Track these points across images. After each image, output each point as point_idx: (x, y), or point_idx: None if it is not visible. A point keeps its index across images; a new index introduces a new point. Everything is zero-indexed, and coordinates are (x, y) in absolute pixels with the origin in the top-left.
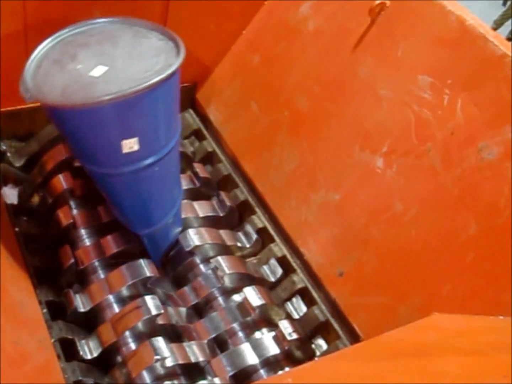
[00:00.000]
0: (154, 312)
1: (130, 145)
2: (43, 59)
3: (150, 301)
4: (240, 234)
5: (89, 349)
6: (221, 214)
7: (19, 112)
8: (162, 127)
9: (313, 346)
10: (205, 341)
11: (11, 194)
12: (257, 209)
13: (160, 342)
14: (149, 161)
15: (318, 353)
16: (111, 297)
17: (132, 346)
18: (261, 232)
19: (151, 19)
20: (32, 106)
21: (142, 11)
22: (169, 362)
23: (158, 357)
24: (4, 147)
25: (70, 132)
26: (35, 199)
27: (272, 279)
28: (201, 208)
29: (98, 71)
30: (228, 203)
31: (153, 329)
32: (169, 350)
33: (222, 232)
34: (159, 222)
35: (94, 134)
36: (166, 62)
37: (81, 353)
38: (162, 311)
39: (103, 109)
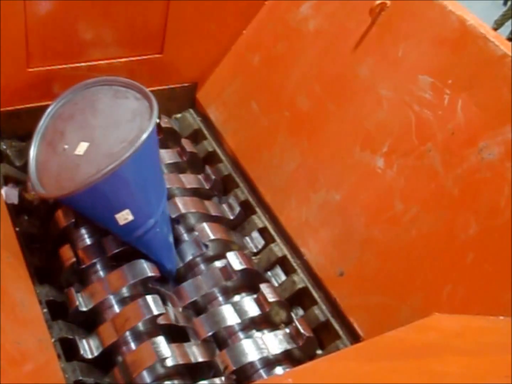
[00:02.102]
0: (155, 312)
1: (124, 217)
2: (41, 142)
3: (151, 300)
4: (224, 206)
5: (90, 349)
6: (207, 187)
7: (19, 112)
8: (149, 190)
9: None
10: (207, 335)
11: (11, 194)
12: (257, 209)
13: (161, 342)
14: (149, 224)
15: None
16: (111, 297)
17: (133, 346)
18: (262, 232)
19: (151, 19)
20: (32, 106)
21: (142, 11)
22: (169, 362)
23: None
24: (4, 147)
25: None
26: (31, 196)
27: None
28: (187, 181)
29: (81, 148)
30: (213, 176)
31: (154, 329)
32: (170, 350)
33: (207, 203)
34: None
35: (90, 212)
36: (140, 128)
37: (81, 352)
38: (164, 311)
39: (88, 192)
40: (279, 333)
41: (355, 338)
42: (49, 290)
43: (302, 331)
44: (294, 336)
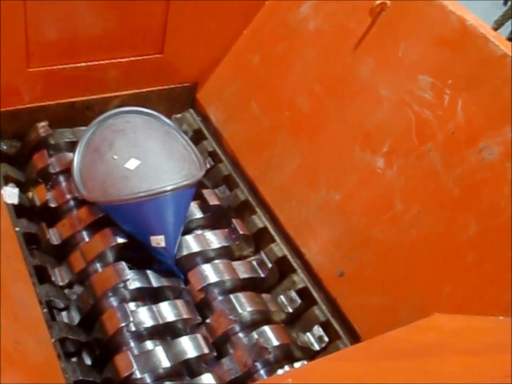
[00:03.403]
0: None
1: (157, 241)
2: (87, 146)
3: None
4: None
5: (61, 277)
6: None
7: (19, 112)
8: (180, 226)
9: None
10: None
11: (11, 194)
12: (257, 209)
13: (124, 266)
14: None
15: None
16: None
17: (100, 270)
18: (262, 232)
19: (152, 19)
20: (32, 106)
21: (142, 11)
22: (131, 285)
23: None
24: (4, 147)
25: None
26: (30, 194)
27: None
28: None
29: (132, 164)
30: (269, 264)
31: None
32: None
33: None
34: None
35: (127, 223)
36: (190, 171)
37: (53, 279)
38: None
39: (136, 206)
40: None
41: (355, 338)
42: (49, 290)
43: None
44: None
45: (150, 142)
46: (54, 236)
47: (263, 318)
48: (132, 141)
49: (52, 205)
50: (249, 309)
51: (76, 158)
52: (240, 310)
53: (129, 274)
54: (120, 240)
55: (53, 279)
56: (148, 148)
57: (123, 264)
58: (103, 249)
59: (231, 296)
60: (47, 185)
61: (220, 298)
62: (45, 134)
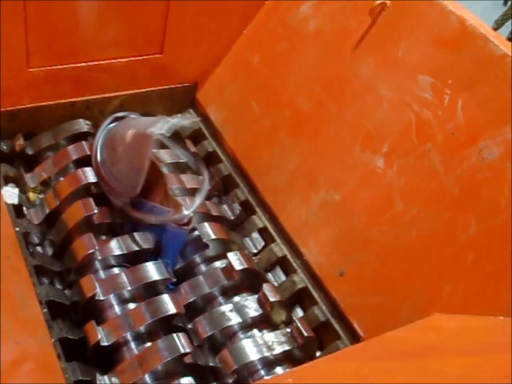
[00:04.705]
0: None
1: None
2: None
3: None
4: (225, 206)
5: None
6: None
7: (19, 112)
8: None
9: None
10: (206, 335)
11: (11, 194)
12: (257, 209)
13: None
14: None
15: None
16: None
17: None
18: (262, 232)
19: (151, 19)
20: (33, 106)
21: (142, 11)
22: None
23: None
24: (4, 147)
25: None
26: (31, 196)
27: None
28: (188, 181)
29: (129, 135)
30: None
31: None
32: None
33: (208, 203)
34: None
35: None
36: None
37: (28, 217)
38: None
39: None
40: (280, 333)
41: (355, 338)
42: (49, 290)
43: (303, 330)
44: (295, 335)
45: (142, 120)
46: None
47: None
48: (126, 126)
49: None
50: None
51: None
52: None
53: (95, 208)
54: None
55: (27, 217)
56: (141, 121)
57: (90, 200)
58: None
59: None
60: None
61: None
62: (19, 148)
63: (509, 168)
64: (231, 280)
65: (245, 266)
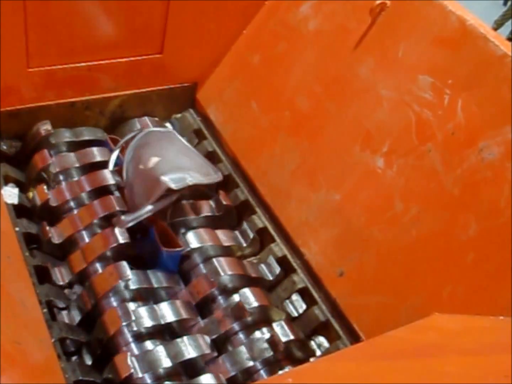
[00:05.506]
0: (121, 240)
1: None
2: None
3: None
4: (237, 233)
5: (61, 276)
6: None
7: (19, 112)
8: None
9: (313, 344)
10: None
11: (11, 194)
12: (257, 209)
13: (124, 266)
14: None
15: (319, 352)
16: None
17: (100, 270)
18: (262, 232)
19: (151, 19)
20: (32, 106)
21: (142, 11)
22: (132, 285)
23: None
24: (4, 147)
25: None
26: (30, 195)
27: (271, 278)
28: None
29: (152, 162)
30: (224, 202)
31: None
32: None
33: (220, 232)
34: None
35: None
36: (208, 171)
37: (53, 278)
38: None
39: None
40: None
41: (355, 338)
42: (49, 290)
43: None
44: None
45: (173, 144)
46: (55, 234)
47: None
48: (155, 147)
49: (53, 204)
50: (230, 272)
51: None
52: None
53: (130, 274)
54: (122, 240)
55: (53, 278)
56: (169, 148)
57: (124, 264)
58: (103, 250)
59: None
60: (47, 184)
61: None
62: (45, 134)
63: (509, 168)
64: (277, 353)
65: (291, 337)
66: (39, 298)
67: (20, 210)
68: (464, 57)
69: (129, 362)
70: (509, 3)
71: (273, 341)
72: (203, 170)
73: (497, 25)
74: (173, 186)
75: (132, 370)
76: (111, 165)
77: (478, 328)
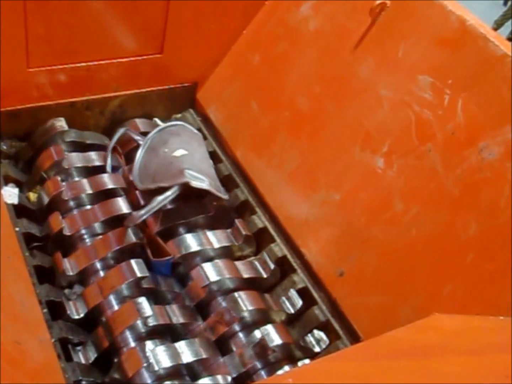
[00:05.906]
0: (138, 274)
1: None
2: (146, 149)
3: (135, 264)
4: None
5: (76, 310)
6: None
7: (19, 112)
8: None
9: (312, 340)
10: (190, 305)
11: (11, 194)
12: (257, 209)
13: (143, 301)
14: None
15: (318, 348)
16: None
17: (116, 307)
18: (261, 232)
19: (151, 19)
20: (33, 106)
21: (142, 11)
22: (151, 321)
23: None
24: (4, 147)
25: None
26: (31, 197)
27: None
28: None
29: (179, 152)
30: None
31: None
32: (151, 310)
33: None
34: None
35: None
36: (218, 186)
37: (68, 312)
38: (147, 274)
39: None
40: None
41: (355, 338)
42: (49, 290)
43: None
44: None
45: (201, 148)
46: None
47: (264, 317)
48: (185, 141)
49: (67, 233)
50: (250, 308)
51: (137, 156)
52: (243, 309)
53: (150, 310)
54: (139, 274)
55: (68, 312)
56: (197, 150)
57: (144, 300)
58: (120, 284)
59: (234, 294)
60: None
61: (221, 297)
62: (59, 130)
63: (509, 168)
64: (265, 358)
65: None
66: (39, 298)
67: (20, 210)
68: (464, 57)
69: None
70: (509, 3)
71: (262, 346)
72: (216, 183)
73: (497, 25)
74: (193, 183)
75: None
76: (108, 167)
77: (478, 328)
